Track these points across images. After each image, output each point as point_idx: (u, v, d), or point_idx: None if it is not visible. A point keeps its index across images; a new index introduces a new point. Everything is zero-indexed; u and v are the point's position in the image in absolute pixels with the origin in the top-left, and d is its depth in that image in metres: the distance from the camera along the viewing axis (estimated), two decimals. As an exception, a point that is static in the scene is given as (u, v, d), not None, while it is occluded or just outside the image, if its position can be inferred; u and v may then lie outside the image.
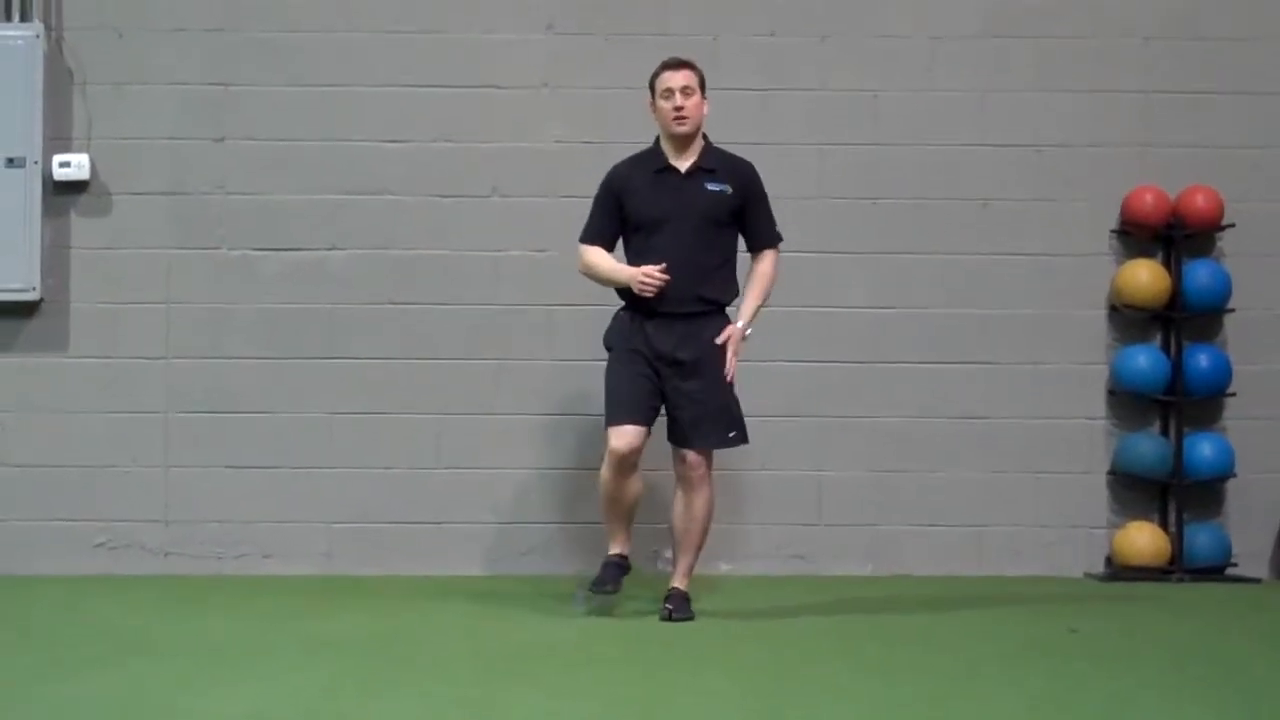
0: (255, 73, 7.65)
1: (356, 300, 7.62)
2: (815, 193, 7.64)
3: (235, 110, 7.64)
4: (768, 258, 6.31)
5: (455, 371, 7.61)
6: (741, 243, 6.33)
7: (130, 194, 7.62)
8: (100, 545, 7.53)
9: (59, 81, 7.59)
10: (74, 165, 7.53)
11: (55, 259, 7.57)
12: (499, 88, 7.69)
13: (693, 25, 7.65)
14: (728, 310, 6.27)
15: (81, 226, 7.61)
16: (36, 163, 7.48)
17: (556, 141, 7.67)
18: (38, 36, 7.49)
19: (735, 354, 6.19)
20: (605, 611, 6.19)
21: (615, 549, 6.32)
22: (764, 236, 6.31)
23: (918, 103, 7.75)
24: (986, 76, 7.76)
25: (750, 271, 6.32)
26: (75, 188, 7.59)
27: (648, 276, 6.07)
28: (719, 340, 6.16)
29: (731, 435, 6.22)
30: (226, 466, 7.57)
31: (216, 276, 7.61)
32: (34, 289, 7.49)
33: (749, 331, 6.26)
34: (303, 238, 7.62)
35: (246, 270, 7.62)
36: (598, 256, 6.27)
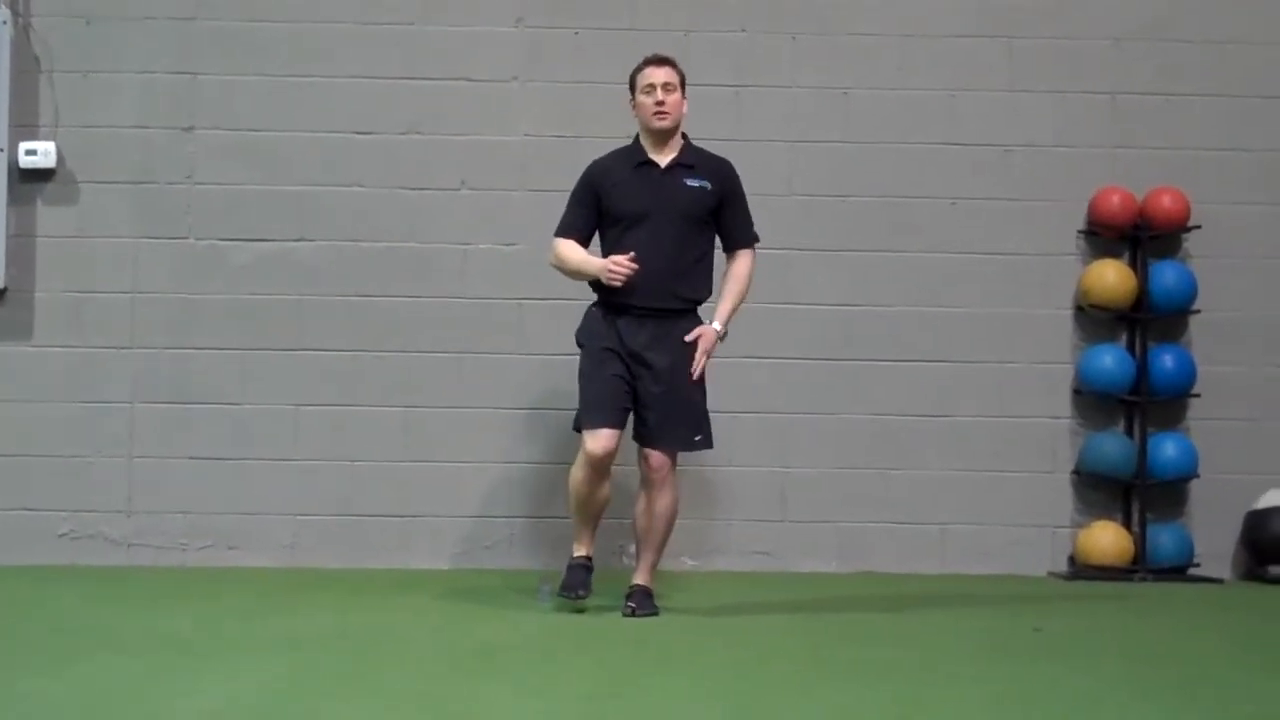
0: (224, 62, 7.62)
1: (324, 292, 7.60)
2: (785, 190, 7.66)
3: (204, 100, 7.61)
4: (744, 258, 6.31)
5: (423, 364, 7.60)
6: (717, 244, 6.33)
7: (97, 183, 7.58)
8: (64, 536, 7.49)
9: (26, 69, 7.54)
10: (40, 153, 7.49)
11: (20, 247, 7.52)
12: (469, 80, 7.68)
13: (664, 21, 7.65)
14: (702, 309, 6.25)
15: (47, 215, 7.57)
16: (2, 150, 7.44)
17: (526, 135, 7.67)
18: (5, 23, 7.45)
19: (708, 354, 6.18)
20: (570, 607, 6.18)
21: (581, 550, 6.29)
22: (741, 236, 6.31)
23: (888, 101, 7.77)
24: (957, 76, 7.79)
25: (726, 272, 6.31)
26: (41, 176, 7.55)
27: (616, 265, 6.07)
28: (689, 338, 6.16)
29: (697, 439, 6.22)
30: (191, 457, 7.55)
31: (183, 267, 7.58)
32: (-1, 277, 7.46)
33: (725, 333, 6.25)
34: (271, 229, 7.60)
35: (214, 261, 7.59)
36: (569, 249, 6.26)
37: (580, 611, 6.15)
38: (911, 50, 7.79)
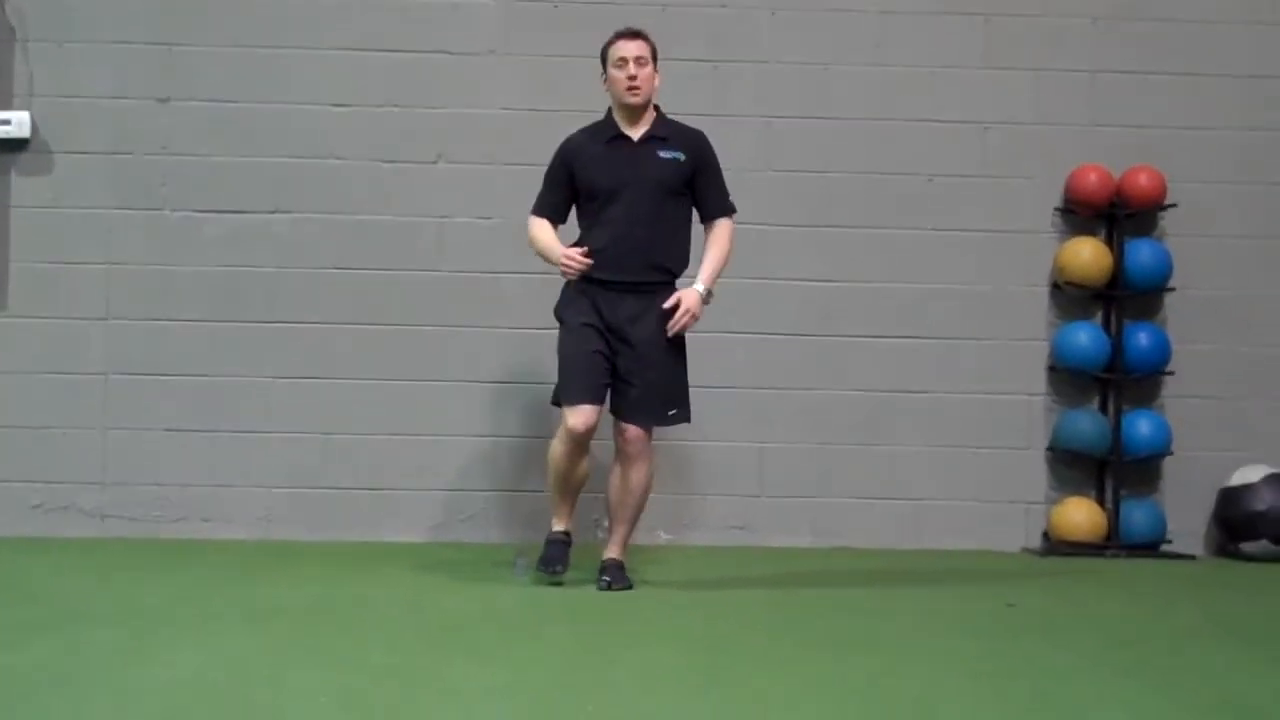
0: (200, 33, 7.58)
1: (300, 265, 7.57)
2: (762, 165, 7.65)
3: (179, 71, 7.57)
4: (723, 226, 6.28)
5: (399, 338, 7.58)
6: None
7: (72, 153, 7.54)
8: (37, 507, 7.47)
9: (0, 38, 7.49)
10: (14, 123, 7.45)
11: (-6, 217, 7.50)
12: (447, 53, 7.66)
13: (642, -6, 7.63)
14: (681, 282, 6.23)
15: (21, 185, 7.53)
16: (-24, 120, 7.41)
17: (504, 108, 7.64)
18: (-21, -9, 7.41)
19: (693, 314, 6.12)
20: (547, 581, 6.18)
21: (560, 525, 6.28)
22: (716, 205, 6.28)
23: (867, 77, 7.77)
24: (935, 53, 7.78)
25: (706, 240, 6.29)
26: (15, 145, 7.50)
27: (569, 259, 6.06)
28: (667, 305, 6.12)
29: (672, 413, 6.20)
30: (166, 429, 7.53)
31: (158, 238, 7.55)
32: (-28, 247, 7.43)
33: (710, 293, 6.20)
34: (246, 201, 7.57)
35: (189, 232, 7.56)
36: (540, 230, 6.26)
37: (557, 585, 6.14)
38: (890, 26, 7.78)
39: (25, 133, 7.47)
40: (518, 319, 7.47)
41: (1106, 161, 7.73)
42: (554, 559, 6.19)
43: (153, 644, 4.76)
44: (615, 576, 6.15)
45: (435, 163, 7.63)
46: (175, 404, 7.52)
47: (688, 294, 6.15)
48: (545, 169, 6.31)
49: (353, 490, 7.57)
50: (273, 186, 7.58)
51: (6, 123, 7.44)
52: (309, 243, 7.57)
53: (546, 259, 6.25)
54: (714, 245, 6.27)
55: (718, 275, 6.25)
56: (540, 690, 4.22)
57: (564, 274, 6.12)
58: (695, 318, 6.16)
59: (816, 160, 7.73)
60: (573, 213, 6.32)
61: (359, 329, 7.58)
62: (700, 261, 6.26)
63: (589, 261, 6.05)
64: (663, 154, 6.16)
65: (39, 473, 7.48)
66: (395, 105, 7.62)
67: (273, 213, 7.58)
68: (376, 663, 4.55)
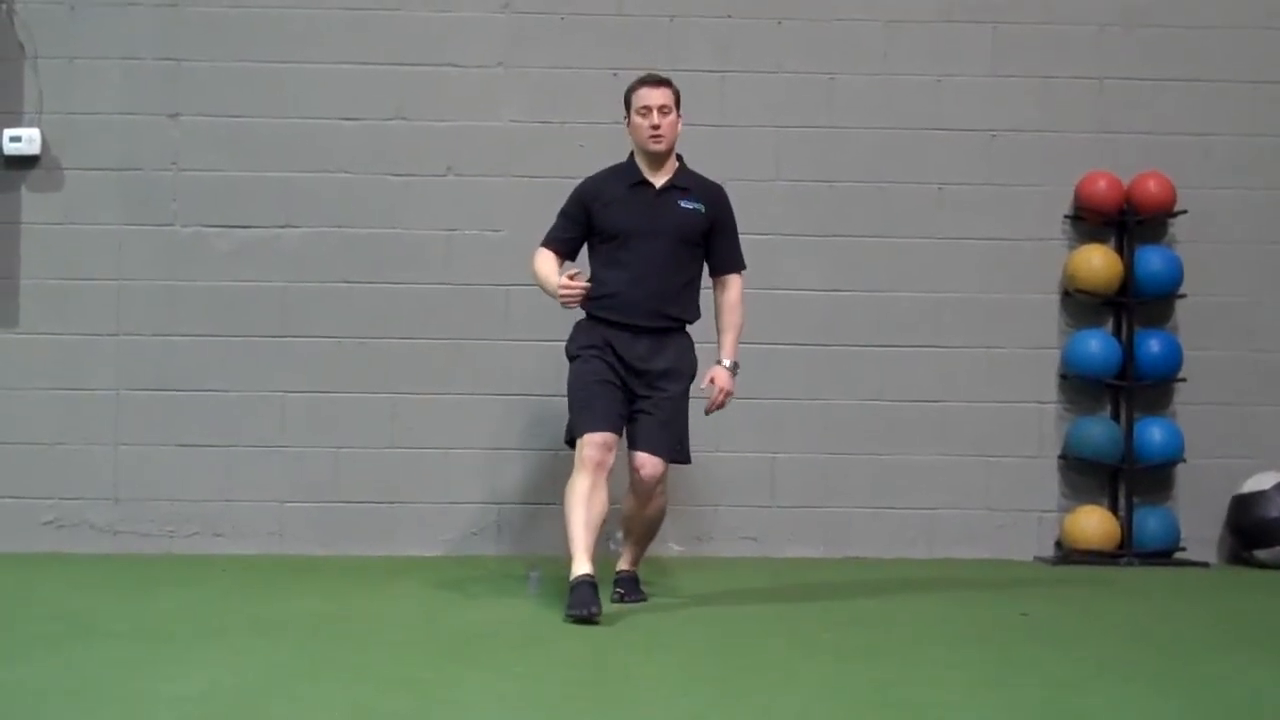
0: (208, 49, 7.60)
1: (310, 279, 7.58)
2: (770, 175, 7.65)
3: (188, 86, 7.59)
4: (734, 284, 6.24)
5: (409, 351, 7.59)
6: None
7: (82, 169, 7.56)
8: (49, 523, 7.48)
9: (9, 55, 7.52)
10: (25, 140, 7.47)
11: (5, 235, 7.50)
12: (455, 66, 7.67)
13: (649, 6, 7.63)
14: (692, 329, 6.22)
15: (32, 202, 7.55)
16: (-14, 137, 7.43)
17: (512, 121, 7.65)
18: (-12, 9, 7.44)
19: (730, 393, 6.16)
20: (557, 594, 6.12)
21: (583, 569, 5.74)
22: (730, 260, 6.24)
23: (873, 87, 7.77)
24: (942, 62, 7.78)
25: (719, 302, 6.24)
26: (26, 162, 7.52)
27: (566, 288, 5.99)
28: (706, 404, 6.15)
29: (678, 448, 6.13)
30: (177, 444, 7.53)
31: (168, 254, 7.56)
32: (-17, 264, 7.45)
33: (736, 365, 6.20)
34: (256, 215, 7.58)
35: (199, 248, 7.57)
36: (542, 262, 6.16)
37: (592, 624, 5.65)
38: (897, 35, 7.78)
39: (35, 149, 7.49)
40: (527, 331, 7.47)
41: (1115, 168, 7.72)
42: (587, 601, 5.70)
43: (165, 658, 4.77)
44: (629, 589, 6.14)
45: (444, 176, 7.64)
46: (187, 419, 7.53)
47: (719, 374, 6.15)
48: (561, 206, 6.22)
49: (364, 504, 7.57)
50: (282, 201, 7.59)
51: (17, 140, 7.46)
52: (318, 257, 7.58)
53: (544, 290, 6.15)
54: (729, 311, 6.23)
55: (738, 343, 6.25)
56: (553, 702, 4.22)
57: (564, 303, 6.05)
58: (731, 395, 6.19)
59: (824, 170, 7.72)
60: (584, 252, 6.26)
61: (369, 342, 7.58)
62: (717, 329, 6.23)
63: (586, 285, 6.02)
64: (684, 204, 6.12)
65: (51, 489, 7.49)
66: (403, 119, 7.63)
67: (282, 227, 7.59)
68: (389, 676, 4.55)
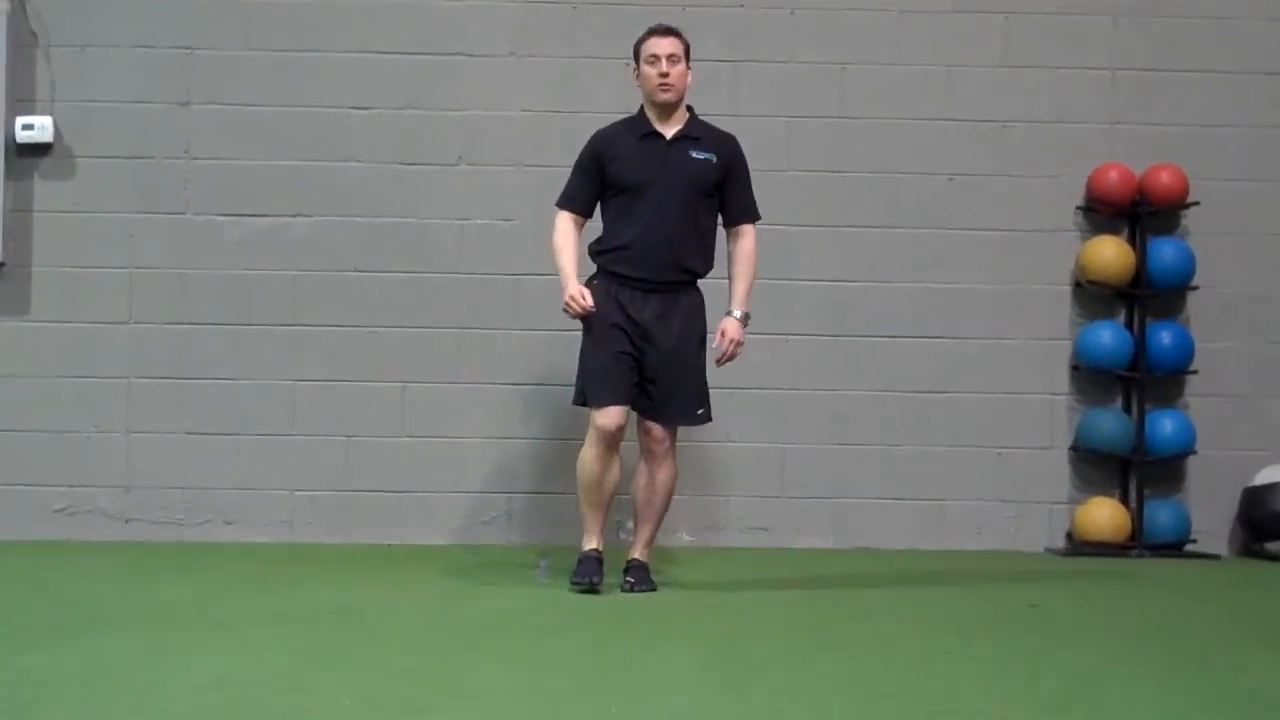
0: (220, 37, 7.60)
1: (321, 267, 7.59)
2: (782, 165, 7.64)
3: (200, 74, 7.60)
4: (747, 234, 6.25)
5: (420, 340, 7.60)
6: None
7: (94, 157, 7.57)
8: (61, 510, 7.50)
9: (23, 42, 7.53)
10: (37, 128, 7.48)
11: (17, 222, 7.52)
12: (466, 55, 7.67)
13: (662, -5, 7.63)
14: (704, 284, 6.23)
15: (44, 189, 7.56)
16: (-1, 125, 7.44)
17: (524, 110, 7.65)
18: (1, -3, 7.44)
19: (737, 342, 6.16)
20: (582, 589, 6.10)
21: (591, 544, 6.11)
22: (744, 211, 6.25)
23: (885, 77, 7.76)
24: (954, 52, 7.77)
25: (732, 251, 6.25)
26: (38, 150, 7.53)
27: (573, 300, 6.03)
28: (716, 354, 6.16)
29: (700, 412, 6.22)
30: (188, 432, 7.55)
31: (180, 242, 7.57)
32: (-5, 252, 7.46)
33: (747, 315, 6.20)
34: (267, 204, 7.59)
35: (211, 236, 7.58)
36: (563, 241, 6.17)
37: (595, 593, 6.00)
38: (909, 25, 7.77)
39: (48, 137, 7.50)
40: (539, 320, 7.46)
41: (1128, 160, 7.71)
42: (590, 571, 6.02)
43: (175, 646, 4.77)
44: (639, 578, 6.14)
45: (456, 165, 7.64)
46: (198, 407, 7.55)
47: (730, 325, 6.17)
48: (571, 163, 6.28)
49: (375, 493, 7.58)
50: (294, 189, 7.59)
51: (30, 128, 7.47)
52: (330, 245, 7.59)
53: (555, 267, 6.19)
54: (742, 261, 6.23)
55: (749, 292, 6.24)
56: (563, 692, 4.22)
57: (565, 309, 6.09)
58: (742, 345, 6.18)
59: (836, 160, 7.72)
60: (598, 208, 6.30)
61: (380, 331, 7.59)
62: (729, 278, 6.24)
63: (590, 307, 6.03)
64: (695, 154, 6.14)
65: (63, 476, 7.51)
66: (416, 107, 7.63)
67: (294, 216, 7.60)
68: (399, 665, 4.55)
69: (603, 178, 6.17)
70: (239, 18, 7.61)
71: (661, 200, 6.08)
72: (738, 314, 6.19)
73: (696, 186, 6.12)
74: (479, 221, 7.63)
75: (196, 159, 7.59)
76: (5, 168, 7.46)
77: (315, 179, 7.60)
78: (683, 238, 6.11)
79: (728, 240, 6.29)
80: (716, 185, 6.17)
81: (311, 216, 7.60)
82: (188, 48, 7.60)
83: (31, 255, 7.53)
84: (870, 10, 7.75)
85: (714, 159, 6.15)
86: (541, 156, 7.36)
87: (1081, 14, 7.81)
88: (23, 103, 7.51)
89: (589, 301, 6.04)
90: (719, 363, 6.21)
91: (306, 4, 7.63)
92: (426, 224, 7.62)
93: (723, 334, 6.17)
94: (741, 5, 7.72)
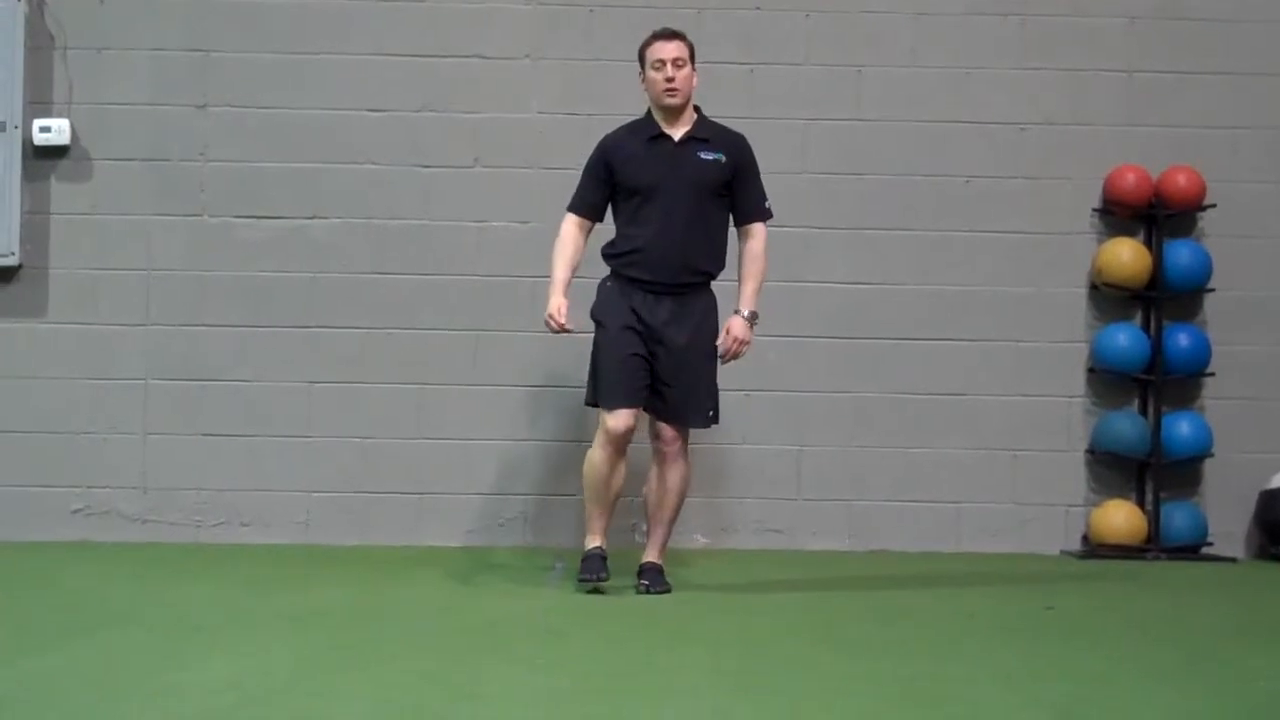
0: (237, 39, 7.62)
1: (337, 269, 7.60)
2: (798, 168, 7.64)
3: (217, 77, 7.61)
4: (758, 234, 6.24)
5: (436, 342, 7.60)
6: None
7: (111, 159, 7.59)
8: (78, 512, 7.52)
9: (40, 45, 7.55)
10: (54, 130, 7.50)
11: (35, 224, 7.54)
12: (483, 58, 7.67)
13: (677, -2, 7.63)
14: (715, 284, 6.24)
15: (61, 192, 7.58)
16: (17, 127, 7.45)
17: (540, 112, 7.66)
18: (19, 0, 7.44)
19: (743, 341, 6.15)
20: (587, 588, 6.10)
21: (595, 542, 6.18)
22: (754, 209, 6.24)
23: (901, 79, 7.75)
24: (970, 54, 7.76)
25: (742, 252, 6.25)
26: (55, 153, 7.55)
27: (552, 318, 6.10)
28: (720, 347, 6.15)
29: (710, 414, 6.22)
30: (205, 434, 7.56)
31: (197, 244, 7.59)
32: (13, 254, 7.47)
33: (755, 314, 6.19)
34: (284, 206, 7.60)
35: (227, 238, 7.60)
36: (563, 245, 6.21)
37: (599, 592, 6.08)
38: (925, 28, 7.77)
39: (65, 140, 7.52)
40: (554, 323, 7.46)
41: (1145, 162, 7.69)
42: (596, 568, 6.09)
43: (191, 648, 4.78)
44: (653, 580, 6.14)
45: (472, 167, 7.65)
46: (214, 409, 7.56)
47: (736, 323, 6.16)
48: (584, 165, 6.29)
49: (391, 495, 7.59)
50: (310, 191, 7.61)
51: (46, 130, 7.49)
52: (346, 247, 7.60)
53: (551, 270, 6.22)
54: (752, 260, 6.23)
55: (759, 291, 6.23)
56: (576, 695, 4.22)
57: (545, 322, 6.15)
58: (747, 344, 6.18)
59: (852, 163, 7.72)
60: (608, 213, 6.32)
61: (396, 333, 7.60)
62: (739, 278, 6.23)
63: (567, 328, 6.09)
64: (703, 155, 6.14)
65: (80, 478, 7.53)
66: (431, 110, 7.64)
67: (310, 218, 7.61)
68: (414, 667, 4.55)
69: (612, 181, 6.19)
70: (255, 21, 7.63)
71: (671, 202, 6.09)
72: (745, 313, 6.19)
73: (706, 187, 6.13)
74: (495, 224, 7.64)
75: (213, 161, 7.61)
76: (22, 170, 7.48)
77: (332, 181, 7.61)
78: (694, 239, 6.11)
79: (739, 240, 6.29)
80: (726, 185, 6.18)
81: (328, 219, 7.62)
82: (204, 50, 7.62)
83: (49, 257, 7.56)
84: (886, 13, 7.75)
85: (723, 159, 6.15)
86: (558, 159, 7.35)
87: (1098, 16, 7.79)
88: (40, 105, 7.54)
89: (565, 320, 6.10)
90: (723, 360, 6.20)
91: (323, 7, 7.65)
92: (443, 226, 7.62)
93: (727, 331, 6.16)
94: (757, 8, 7.72)
